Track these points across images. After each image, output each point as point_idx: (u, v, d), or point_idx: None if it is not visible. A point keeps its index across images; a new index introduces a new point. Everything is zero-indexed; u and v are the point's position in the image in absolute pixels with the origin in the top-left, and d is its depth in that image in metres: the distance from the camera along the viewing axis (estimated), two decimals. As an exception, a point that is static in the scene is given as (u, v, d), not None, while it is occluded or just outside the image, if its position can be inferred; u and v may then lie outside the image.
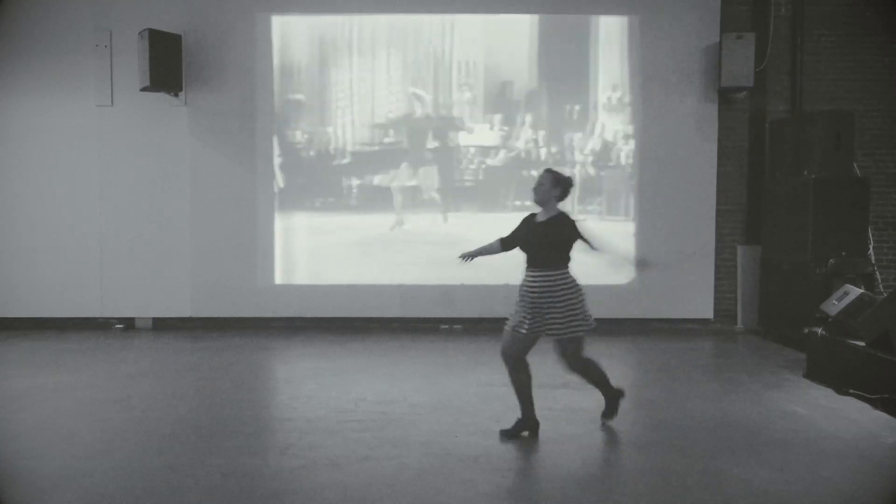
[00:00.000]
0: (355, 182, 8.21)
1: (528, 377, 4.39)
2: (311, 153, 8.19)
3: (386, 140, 8.18)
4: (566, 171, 4.72)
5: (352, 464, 3.91)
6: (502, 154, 8.15)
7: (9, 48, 8.00)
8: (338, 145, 8.18)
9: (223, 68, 8.07)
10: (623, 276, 8.08)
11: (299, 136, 8.19)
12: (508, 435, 4.33)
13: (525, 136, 8.14)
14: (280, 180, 8.18)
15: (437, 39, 8.12)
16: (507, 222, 4.56)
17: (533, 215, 4.42)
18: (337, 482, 3.67)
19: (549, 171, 4.37)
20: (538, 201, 4.34)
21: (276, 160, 8.16)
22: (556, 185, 4.28)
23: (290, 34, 8.14)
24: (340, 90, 8.16)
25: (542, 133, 8.15)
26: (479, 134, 8.16)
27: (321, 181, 8.21)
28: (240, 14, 8.06)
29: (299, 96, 8.16)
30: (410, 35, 8.13)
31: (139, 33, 7.65)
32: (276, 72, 8.11)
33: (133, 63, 7.77)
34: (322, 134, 8.17)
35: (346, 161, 8.20)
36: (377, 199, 8.21)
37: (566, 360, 4.32)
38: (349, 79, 8.15)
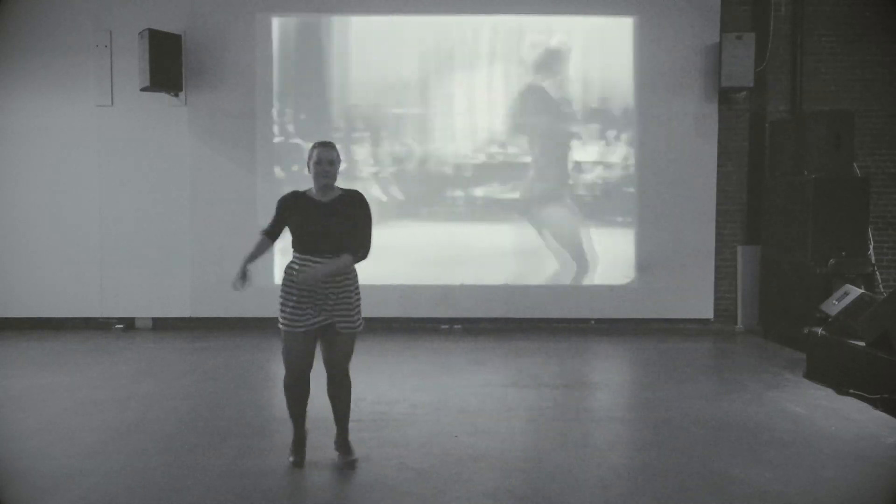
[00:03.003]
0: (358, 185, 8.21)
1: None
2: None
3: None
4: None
5: (352, 464, 3.90)
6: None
7: (9, 48, 7.99)
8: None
9: (223, 68, 8.07)
10: (623, 276, 8.11)
11: (300, 138, 8.19)
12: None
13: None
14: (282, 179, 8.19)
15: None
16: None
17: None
18: (337, 482, 3.67)
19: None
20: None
21: (276, 161, 8.18)
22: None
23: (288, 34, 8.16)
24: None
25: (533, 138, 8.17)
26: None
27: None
28: (240, 14, 8.05)
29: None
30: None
31: (139, 33, 7.65)
32: (276, 71, 8.12)
33: (133, 63, 7.77)
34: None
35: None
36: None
37: None
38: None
